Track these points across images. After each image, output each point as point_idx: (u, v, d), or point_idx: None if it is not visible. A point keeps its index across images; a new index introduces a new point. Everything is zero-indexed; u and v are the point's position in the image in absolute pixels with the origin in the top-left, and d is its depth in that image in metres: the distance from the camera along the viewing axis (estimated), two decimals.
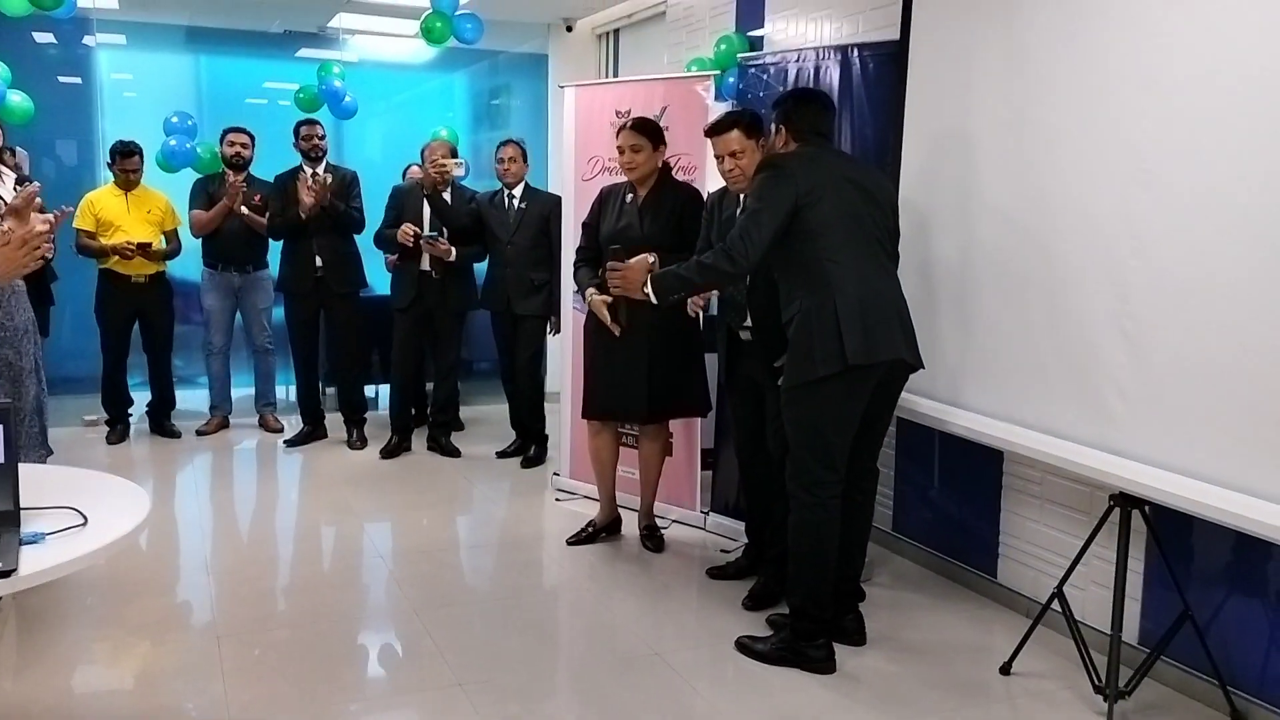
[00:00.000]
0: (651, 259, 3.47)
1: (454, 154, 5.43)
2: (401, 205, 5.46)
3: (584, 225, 4.23)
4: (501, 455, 5.65)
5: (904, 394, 3.54)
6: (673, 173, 4.19)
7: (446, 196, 5.36)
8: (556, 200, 5.10)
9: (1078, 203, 3.02)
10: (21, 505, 1.92)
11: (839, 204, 3.10)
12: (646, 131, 3.96)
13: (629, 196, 4.05)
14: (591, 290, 4.01)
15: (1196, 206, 2.67)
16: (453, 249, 5.34)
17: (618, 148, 4.00)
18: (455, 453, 5.64)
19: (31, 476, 2.05)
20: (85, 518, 1.93)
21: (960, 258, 3.50)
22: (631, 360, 4.01)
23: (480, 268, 5.69)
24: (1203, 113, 2.65)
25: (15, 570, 1.68)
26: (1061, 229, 3.08)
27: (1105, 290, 2.93)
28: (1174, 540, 3.03)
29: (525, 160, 5.43)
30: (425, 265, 5.41)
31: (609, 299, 3.83)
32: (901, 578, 4.04)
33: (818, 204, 3.07)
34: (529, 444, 5.61)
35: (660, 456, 4.36)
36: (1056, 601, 3.07)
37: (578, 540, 4.29)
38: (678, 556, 4.24)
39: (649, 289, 3.29)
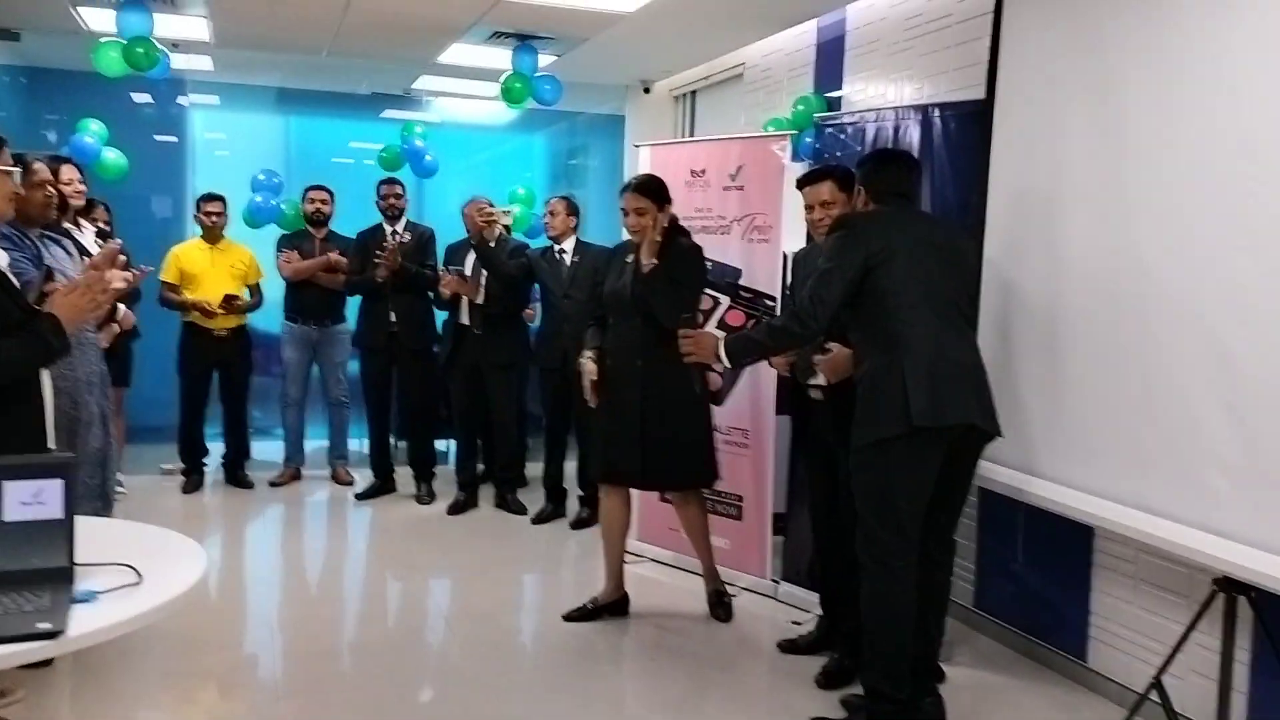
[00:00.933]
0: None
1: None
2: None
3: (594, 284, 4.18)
4: (538, 520, 5.44)
5: (987, 463, 3.39)
6: (680, 228, 4.00)
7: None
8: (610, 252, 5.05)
9: (1176, 268, 2.87)
10: (76, 561, 1.89)
11: (913, 265, 3.01)
12: (648, 192, 3.85)
13: (630, 257, 3.91)
14: (587, 354, 3.98)
15: None
16: (480, 288, 5.26)
17: (621, 209, 3.89)
18: (522, 510, 5.57)
19: (90, 531, 2.02)
20: (140, 575, 1.89)
21: (1048, 322, 3.35)
22: (626, 419, 3.87)
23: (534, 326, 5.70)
24: None
25: (63, 632, 1.64)
26: (1158, 296, 2.93)
27: (1207, 361, 2.76)
28: None
29: (573, 214, 5.35)
30: (464, 319, 5.40)
31: (594, 372, 3.91)
32: (984, 658, 3.83)
33: (888, 264, 2.99)
34: (583, 505, 5.45)
35: (701, 518, 4.11)
36: (1154, 691, 2.87)
37: (576, 617, 4.04)
38: (747, 627, 4.09)
39: (722, 353, 3.25)
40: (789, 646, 3.81)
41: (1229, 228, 2.71)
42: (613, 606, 4.09)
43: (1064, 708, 3.43)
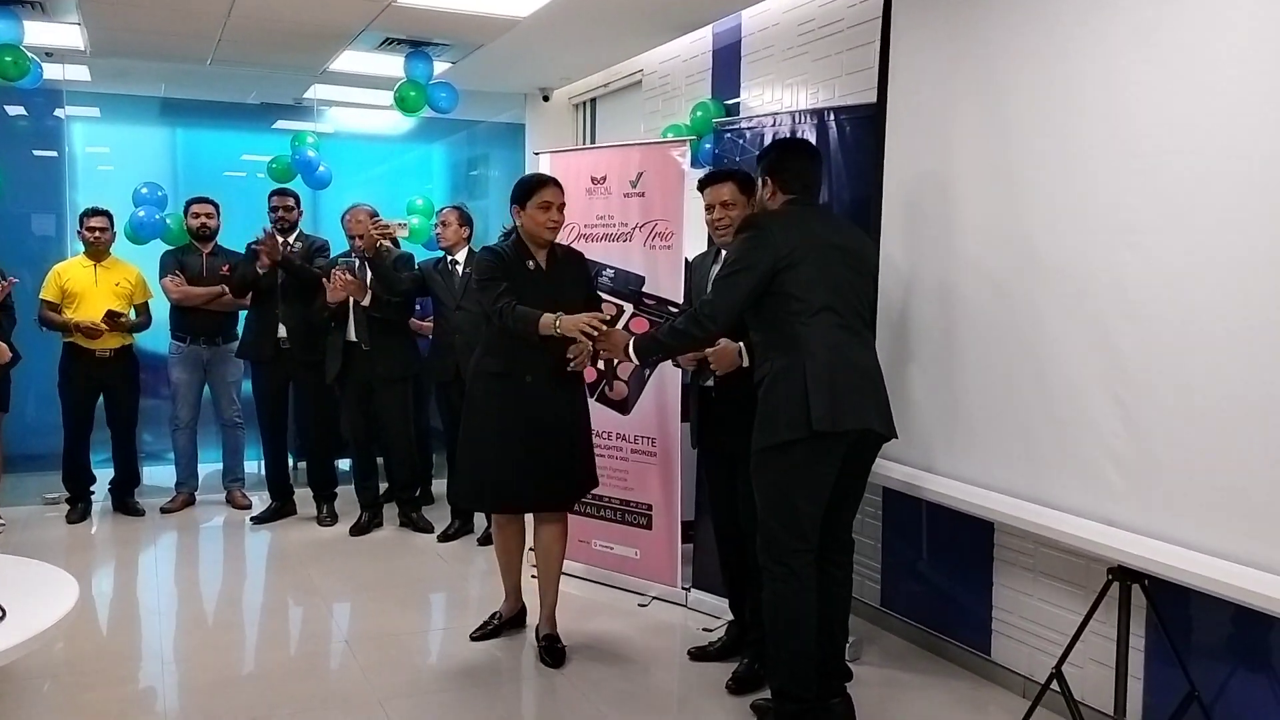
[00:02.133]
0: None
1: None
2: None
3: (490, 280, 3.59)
4: (444, 538, 5.33)
5: (888, 461, 3.43)
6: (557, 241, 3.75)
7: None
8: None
9: (1064, 265, 2.93)
10: None
11: (819, 269, 3.02)
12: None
13: (530, 263, 3.63)
14: (562, 319, 3.39)
15: (1185, 267, 2.58)
16: (367, 291, 5.10)
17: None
18: (428, 528, 5.45)
19: None
20: (3, 611, 1.77)
21: (943, 321, 3.40)
22: (556, 443, 3.61)
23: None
24: (1188, 172, 2.57)
25: None
26: (1048, 292, 2.99)
27: (1096, 355, 2.83)
28: (1176, 615, 2.89)
29: (465, 224, 5.22)
30: (351, 335, 5.24)
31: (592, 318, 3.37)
32: (891, 655, 3.87)
33: (797, 267, 2.99)
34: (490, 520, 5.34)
35: (564, 542, 3.85)
36: (1055, 681, 2.91)
37: (482, 634, 3.95)
38: (659, 636, 4.06)
39: (631, 351, 3.25)
40: (699, 654, 3.78)
41: (1112, 223, 2.78)
42: (516, 619, 4.03)
43: (969, 702, 3.48)
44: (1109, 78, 2.79)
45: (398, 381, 5.37)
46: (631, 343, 3.26)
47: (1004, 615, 3.58)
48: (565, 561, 3.93)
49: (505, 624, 4.00)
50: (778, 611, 3.04)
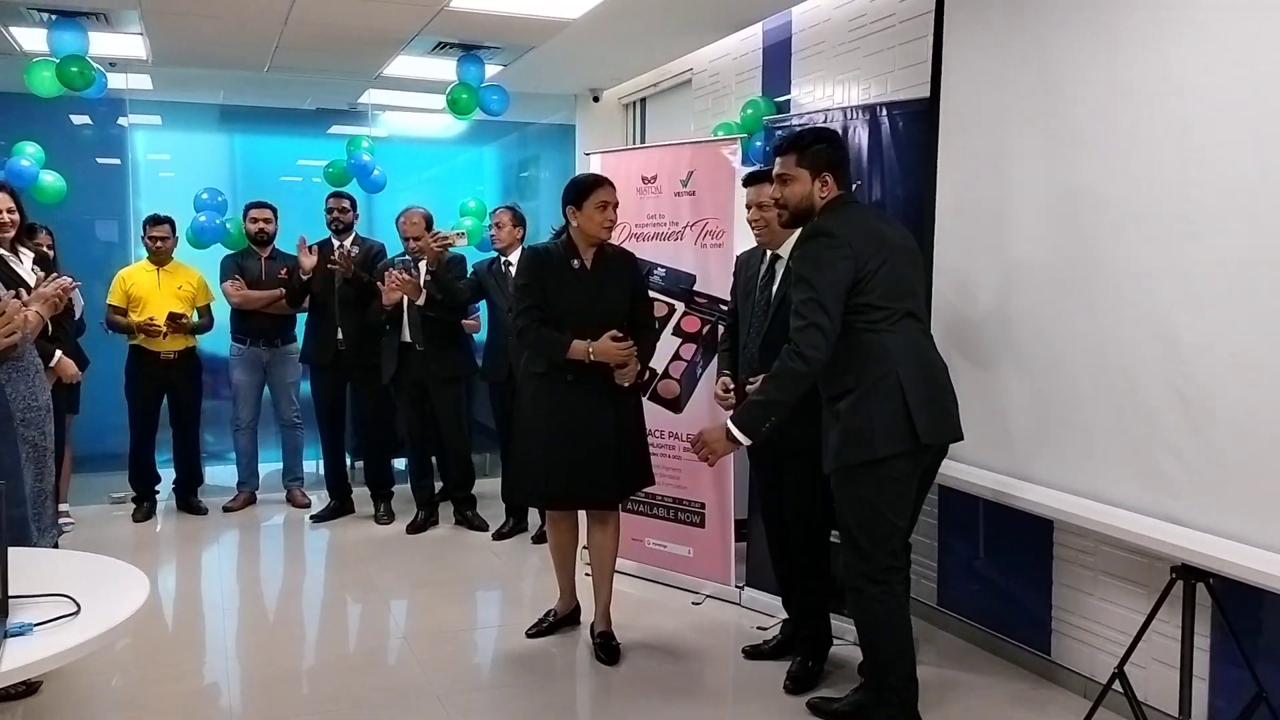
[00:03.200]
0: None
1: (429, 223, 5.32)
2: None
3: (523, 288, 3.66)
4: (499, 536, 5.40)
5: (946, 461, 3.39)
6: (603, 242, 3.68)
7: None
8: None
9: (1123, 261, 2.88)
10: (11, 594, 1.82)
11: (894, 271, 2.87)
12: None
13: (575, 263, 3.63)
14: (594, 346, 3.51)
15: (1246, 259, 2.53)
16: (420, 288, 5.13)
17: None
18: (483, 526, 5.50)
19: (27, 562, 1.95)
20: (78, 606, 1.83)
21: (999, 318, 3.36)
22: (601, 441, 3.59)
23: (479, 338, 5.67)
24: (1248, 162, 2.52)
25: None
26: (1106, 286, 2.94)
27: (1157, 351, 2.78)
28: (1242, 615, 2.83)
29: (519, 225, 5.27)
30: (406, 337, 5.30)
31: (628, 349, 3.53)
32: (948, 655, 3.83)
33: (877, 273, 2.83)
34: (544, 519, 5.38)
35: (616, 540, 3.85)
36: (1118, 682, 2.87)
37: (537, 632, 3.99)
38: (713, 634, 4.06)
39: (737, 434, 2.92)
40: (754, 652, 3.78)
41: (1173, 217, 2.73)
42: (570, 616, 4.05)
43: (1029, 702, 3.43)
44: (1166, 70, 2.74)
45: (452, 381, 5.42)
46: (731, 424, 2.95)
47: (1064, 615, 3.53)
48: (619, 559, 3.94)
49: (560, 621, 4.03)
50: (880, 633, 2.91)
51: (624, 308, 3.63)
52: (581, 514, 3.90)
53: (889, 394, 2.81)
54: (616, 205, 3.65)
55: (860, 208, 3.09)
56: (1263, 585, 2.48)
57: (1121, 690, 2.86)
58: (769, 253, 3.54)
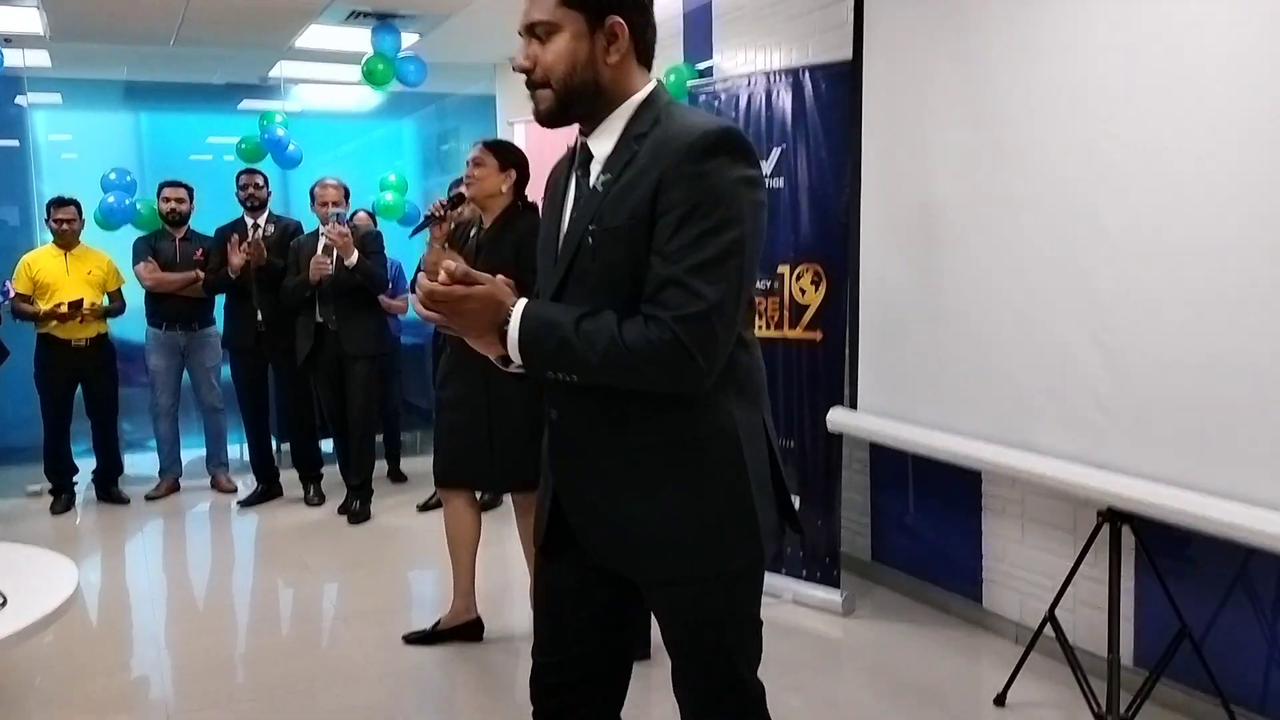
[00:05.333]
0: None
1: (346, 194, 5.21)
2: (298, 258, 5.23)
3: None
4: (425, 508, 5.37)
5: (872, 416, 3.46)
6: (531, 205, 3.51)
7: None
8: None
9: (1044, 212, 2.95)
10: None
11: None
12: (496, 151, 3.48)
13: (473, 230, 3.54)
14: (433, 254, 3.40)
15: (1164, 210, 2.60)
16: (354, 246, 4.96)
17: (467, 161, 3.49)
18: (364, 516, 5.30)
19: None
20: (4, 597, 1.76)
21: (924, 273, 3.41)
22: (471, 417, 3.40)
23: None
24: (1165, 119, 2.59)
25: None
26: (1028, 240, 3.01)
27: (1077, 300, 2.85)
28: (1166, 555, 2.93)
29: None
30: (319, 316, 5.17)
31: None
32: (884, 608, 3.91)
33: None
34: None
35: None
36: (1049, 626, 2.96)
37: (417, 639, 3.62)
38: None
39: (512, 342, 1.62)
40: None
41: (1088, 167, 2.79)
42: (464, 629, 3.63)
43: (964, 650, 3.52)
44: (1081, 28, 2.80)
45: (365, 360, 5.25)
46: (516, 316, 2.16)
47: (994, 563, 3.63)
48: None
49: (447, 632, 3.63)
50: None
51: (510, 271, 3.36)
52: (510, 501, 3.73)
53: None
54: (477, 161, 3.44)
55: None
56: (1184, 524, 2.58)
57: (1053, 634, 2.95)
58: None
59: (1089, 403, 2.83)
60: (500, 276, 1.62)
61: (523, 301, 1.59)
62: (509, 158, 3.49)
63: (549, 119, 1.67)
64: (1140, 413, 2.69)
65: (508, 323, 1.57)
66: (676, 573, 1.64)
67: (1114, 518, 2.78)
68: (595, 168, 1.66)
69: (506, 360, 1.62)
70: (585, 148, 1.69)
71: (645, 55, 1.68)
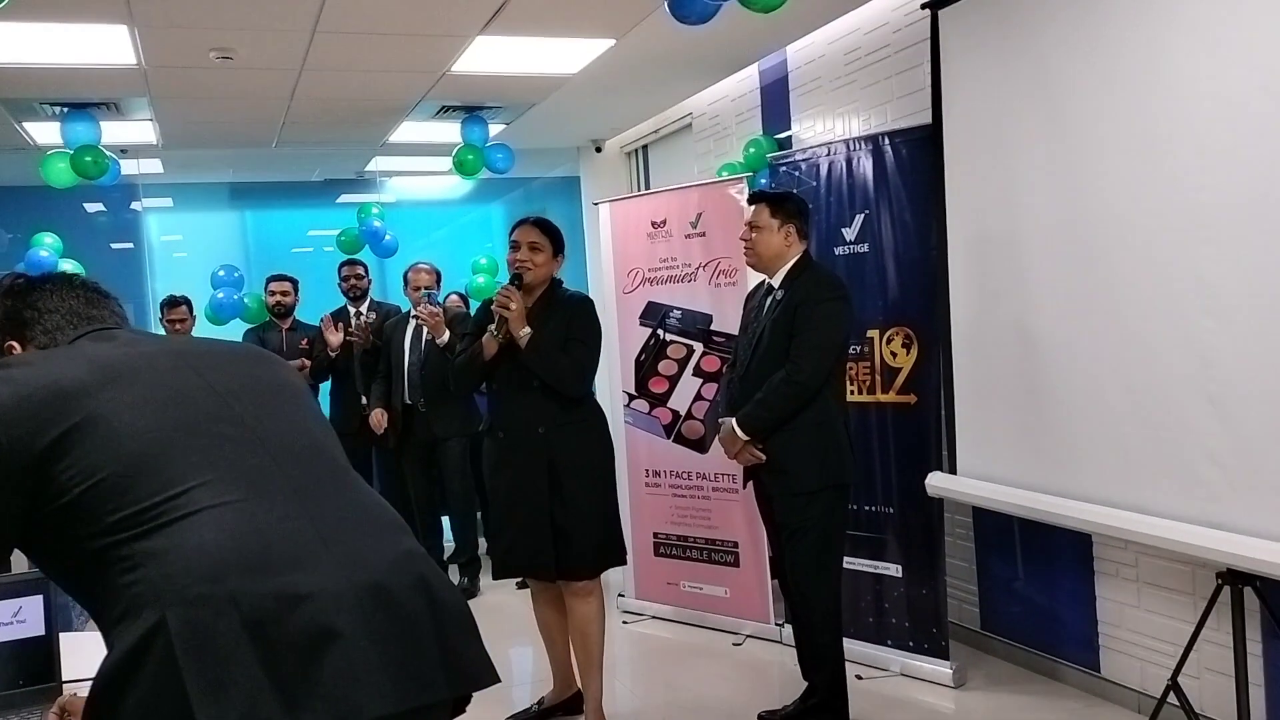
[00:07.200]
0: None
1: (438, 278, 5.31)
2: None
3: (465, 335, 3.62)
4: (522, 585, 5.15)
5: (976, 480, 3.40)
6: (563, 286, 3.51)
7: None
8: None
9: (1145, 271, 2.88)
10: (65, 679, 1.82)
11: None
12: (550, 233, 3.42)
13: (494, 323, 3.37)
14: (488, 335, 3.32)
15: (1265, 260, 2.54)
16: (445, 326, 4.85)
17: (513, 242, 3.39)
18: (473, 592, 5.30)
19: (82, 647, 1.95)
20: None
21: (1021, 336, 3.36)
22: (534, 506, 3.29)
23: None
24: (1258, 168, 2.53)
25: None
26: (1129, 296, 2.95)
27: (1184, 356, 2.77)
28: None
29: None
30: (407, 399, 5.25)
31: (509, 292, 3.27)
32: (996, 678, 3.78)
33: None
34: None
35: (600, 620, 3.44)
36: (1173, 694, 2.83)
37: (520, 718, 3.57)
38: (753, 677, 4.02)
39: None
40: (769, 717, 3.47)
41: (1189, 224, 2.73)
42: (566, 704, 3.62)
43: None
44: (1169, 76, 2.77)
45: (457, 440, 5.30)
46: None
47: (1111, 629, 3.49)
48: (656, 605, 3.88)
49: (548, 710, 3.61)
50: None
51: (557, 345, 3.34)
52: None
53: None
54: (532, 245, 3.37)
55: None
56: None
57: (1178, 702, 2.82)
58: (766, 282, 3.45)
59: (1203, 460, 2.73)
60: None
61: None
62: (560, 243, 3.47)
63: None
64: (1257, 468, 2.59)
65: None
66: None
67: (1234, 579, 2.66)
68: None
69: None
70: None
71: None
